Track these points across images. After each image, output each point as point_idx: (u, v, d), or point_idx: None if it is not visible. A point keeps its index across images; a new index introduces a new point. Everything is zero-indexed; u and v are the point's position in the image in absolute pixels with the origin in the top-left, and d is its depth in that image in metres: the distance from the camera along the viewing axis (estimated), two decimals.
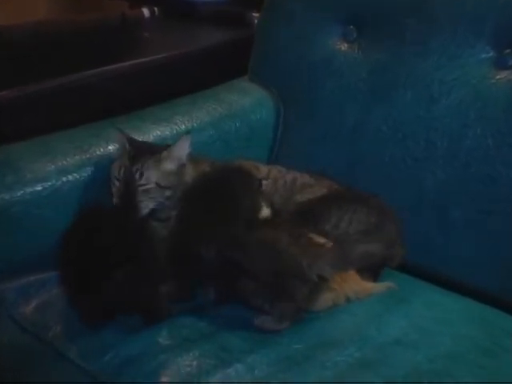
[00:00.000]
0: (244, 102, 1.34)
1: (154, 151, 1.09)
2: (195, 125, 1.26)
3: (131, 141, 1.11)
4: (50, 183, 1.10)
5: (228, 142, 1.29)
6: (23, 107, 1.29)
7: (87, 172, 1.13)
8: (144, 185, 1.06)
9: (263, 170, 1.18)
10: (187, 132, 1.14)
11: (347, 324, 0.98)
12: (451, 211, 1.12)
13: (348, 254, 0.99)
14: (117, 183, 1.07)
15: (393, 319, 0.99)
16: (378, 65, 1.23)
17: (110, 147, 1.16)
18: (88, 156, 1.14)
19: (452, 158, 1.13)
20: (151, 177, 1.06)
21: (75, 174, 1.11)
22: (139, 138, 1.19)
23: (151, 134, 1.21)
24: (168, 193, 1.08)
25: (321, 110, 1.28)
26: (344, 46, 1.28)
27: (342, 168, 1.23)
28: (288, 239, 0.95)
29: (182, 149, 1.10)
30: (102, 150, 1.16)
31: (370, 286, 1.03)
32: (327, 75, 1.28)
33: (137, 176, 1.06)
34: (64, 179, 1.11)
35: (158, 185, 1.07)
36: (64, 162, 1.12)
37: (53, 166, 1.11)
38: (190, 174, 1.11)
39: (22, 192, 1.08)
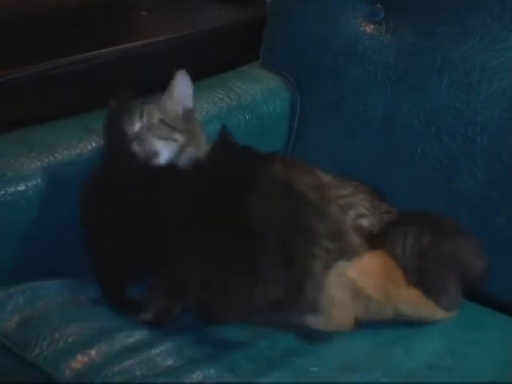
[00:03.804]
0: (255, 92, 1.35)
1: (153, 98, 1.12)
2: (199, 117, 1.27)
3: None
4: (34, 182, 1.12)
5: (236, 137, 1.31)
6: (2, 96, 1.32)
7: (77, 170, 1.15)
8: (146, 124, 1.08)
9: None
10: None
11: (371, 345, 0.99)
12: (494, 218, 1.13)
13: None
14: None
15: (424, 341, 1.01)
16: (408, 48, 1.24)
17: (102, 141, 1.17)
18: (78, 151, 1.16)
19: (493, 156, 1.14)
20: (153, 114, 1.09)
21: (63, 173, 1.13)
22: None
23: None
24: (178, 136, 1.10)
25: (343, 101, 1.29)
26: (370, 28, 1.30)
27: (368, 166, 1.24)
28: None
29: (182, 88, 1.12)
30: (93, 144, 1.17)
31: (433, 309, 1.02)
32: (351, 61, 1.29)
33: (137, 117, 1.08)
34: (51, 178, 1.12)
35: (161, 121, 1.09)
36: (51, 158, 1.14)
37: (38, 163, 1.13)
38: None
39: (2, 192, 1.09)
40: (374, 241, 1.07)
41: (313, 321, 1.01)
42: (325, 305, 1.00)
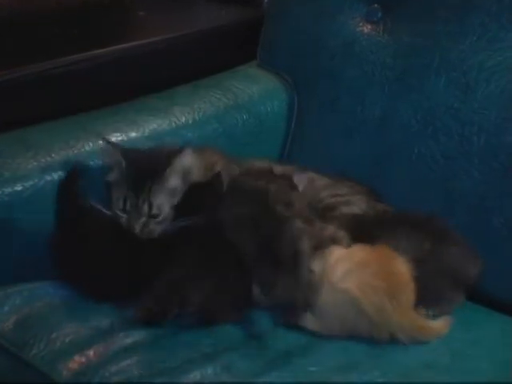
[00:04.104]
0: (252, 92, 1.35)
1: (155, 167, 1.09)
2: (197, 117, 1.28)
3: (126, 155, 1.10)
4: (31, 182, 1.11)
5: (234, 137, 1.31)
6: (1, 96, 1.31)
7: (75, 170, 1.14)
8: (157, 215, 1.07)
9: (277, 169, 1.20)
10: (186, 143, 1.14)
11: (369, 345, 0.98)
12: (491, 218, 1.13)
13: None
14: (124, 216, 1.07)
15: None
16: (405, 48, 1.24)
17: (100, 142, 1.17)
18: (75, 152, 1.16)
19: (490, 156, 1.14)
20: (163, 205, 1.08)
21: (61, 173, 1.13)
22: (133, 131, 1.21)
23: (147, 127, 1.23)
24: (178, 196, 1.09)
25: (341, 101, 1.29)
26: (367, 28, 1.30)
27: (365, 166, 1.24)
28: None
29: (185, 161, 1.10)
30: (91, 144, 1.17)
31: (428, 325, 1.00)
32: (348, 61, 1.29)
33: (145, 208, 1.07)
34: (48, 178, 1.12)
35: (171, 208, 1.08)
36: (48, 159, 1.13)
37: (35, 163, 1.13)
38: (197, 167, 1.13)
39: None
40: (365, 229, 1.07)
41: (309, 322, 1.01)
42: (320, 308, 1.00)
